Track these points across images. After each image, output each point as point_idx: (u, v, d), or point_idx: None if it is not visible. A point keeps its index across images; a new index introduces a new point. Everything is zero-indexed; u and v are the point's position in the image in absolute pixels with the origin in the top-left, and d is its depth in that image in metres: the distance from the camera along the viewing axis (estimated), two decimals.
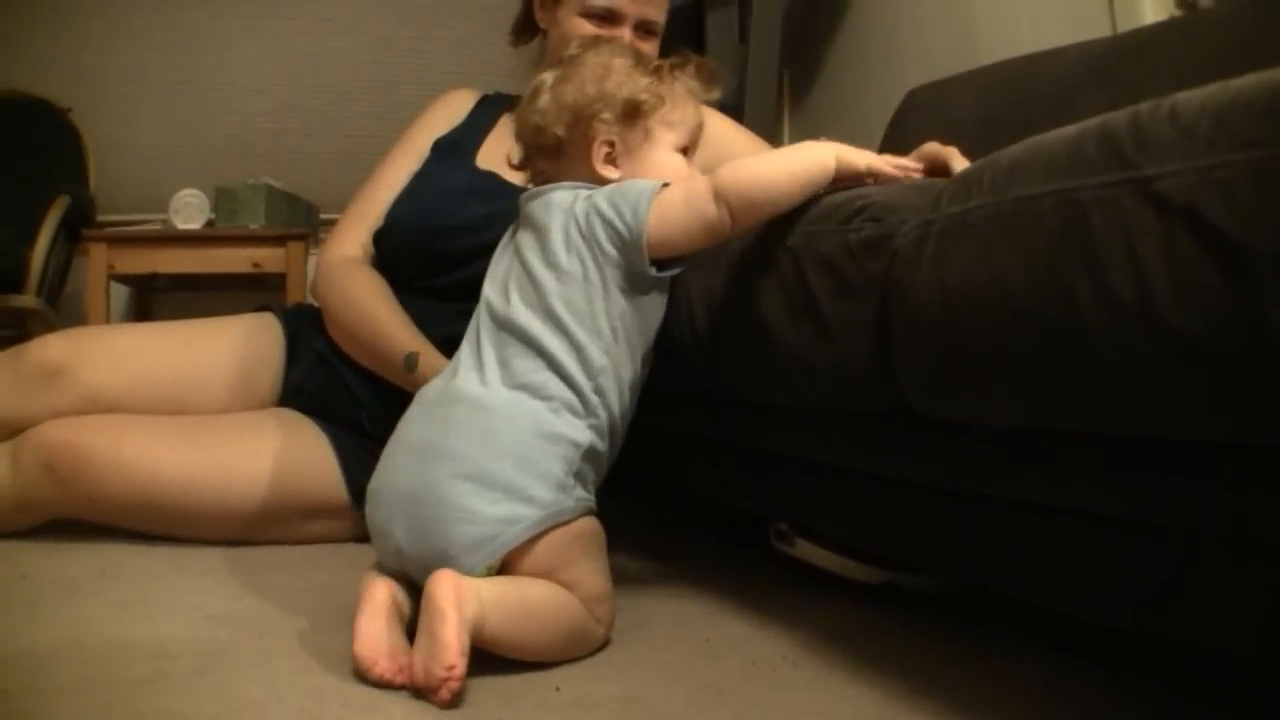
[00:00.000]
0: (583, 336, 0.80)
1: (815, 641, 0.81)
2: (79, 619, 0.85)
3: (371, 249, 1.28)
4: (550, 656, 0.75)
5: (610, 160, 0.88)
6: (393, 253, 1.26)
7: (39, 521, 1.12)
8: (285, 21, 2.64)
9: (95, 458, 1.07)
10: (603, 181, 0.87)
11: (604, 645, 0.79)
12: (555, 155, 0.90)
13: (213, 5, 2.57)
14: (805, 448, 0.86)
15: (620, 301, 0.82)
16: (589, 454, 0.79)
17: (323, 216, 2.48)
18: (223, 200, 2.11)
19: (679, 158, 0.91)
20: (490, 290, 0.87)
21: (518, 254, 0.87)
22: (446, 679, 0.65)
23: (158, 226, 2.22)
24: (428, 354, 1.14)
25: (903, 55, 2.13)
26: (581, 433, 0.79)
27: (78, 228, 2.09)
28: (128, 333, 1.26)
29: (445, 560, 0.72)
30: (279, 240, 2.10)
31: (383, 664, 0.69)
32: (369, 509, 0.81)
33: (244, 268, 2.09)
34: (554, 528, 0.75)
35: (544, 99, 0.90)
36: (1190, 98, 0.49)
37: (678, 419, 1.07)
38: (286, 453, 1.15)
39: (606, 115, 0.87)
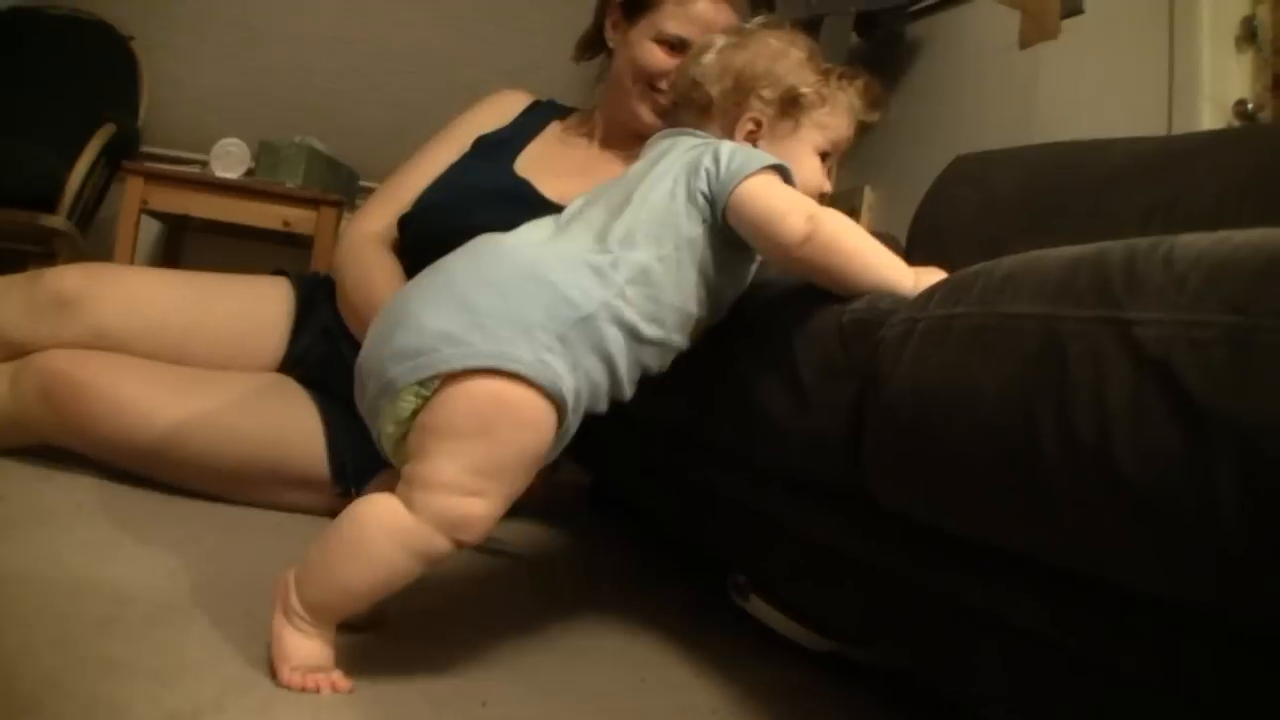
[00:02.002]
0: (644, 235, 0.76)
1: (748, 697, 0.81)
2: (48, 550, 0.87)
3: (395, 231, 1.29)
4: (359, 583, 0.67)
5: (752, 138, 0.88)
6: (414, 240, 1.27)
7: (31, 443, 1.14)
8: None
9: (92, 394, 1.09)
10: None
11: (433, 549, 0.67)
12: (701, 113, 0.90)
13: None
14: (772, 508, 0.85)
15: (695, 230, 0.78)
16: (584, 325, 0.70)
17: (363, 184, 2.50)
18: (265, 154, 2.13)
19: (816, 161, 0.90)
20: (581, 198, 0.85)
21: (626, 175, 0.86)
22: (292, 685, 0.65)
23: (197, 169, 2.25)
24: None
25: (960, 119, 2.12)
26: (587, 298, 0.70)
27: (120, 157, 2.10)
28: (144, 277, 1.28)
29: (380, 370, 0.68)
30: (313, 203, 2.11)
31: (283, 676, 0.66)
32: None
33: (274, 224, 2.09)
34: (494, 374, 0.65)
35: (709, 57, 0.90)
36: (1191, 243, 0.49)
37: (662, 450, 1.07)
38: (277, 420, 1.17)
39: (766, 94, 0.87)
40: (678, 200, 0.79)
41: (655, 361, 0.79)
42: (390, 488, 0.68)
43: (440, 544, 0.66)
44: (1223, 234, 0.49)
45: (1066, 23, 1.92)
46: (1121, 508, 0.46)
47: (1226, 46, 1.63)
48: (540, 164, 1.32)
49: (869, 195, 2.36)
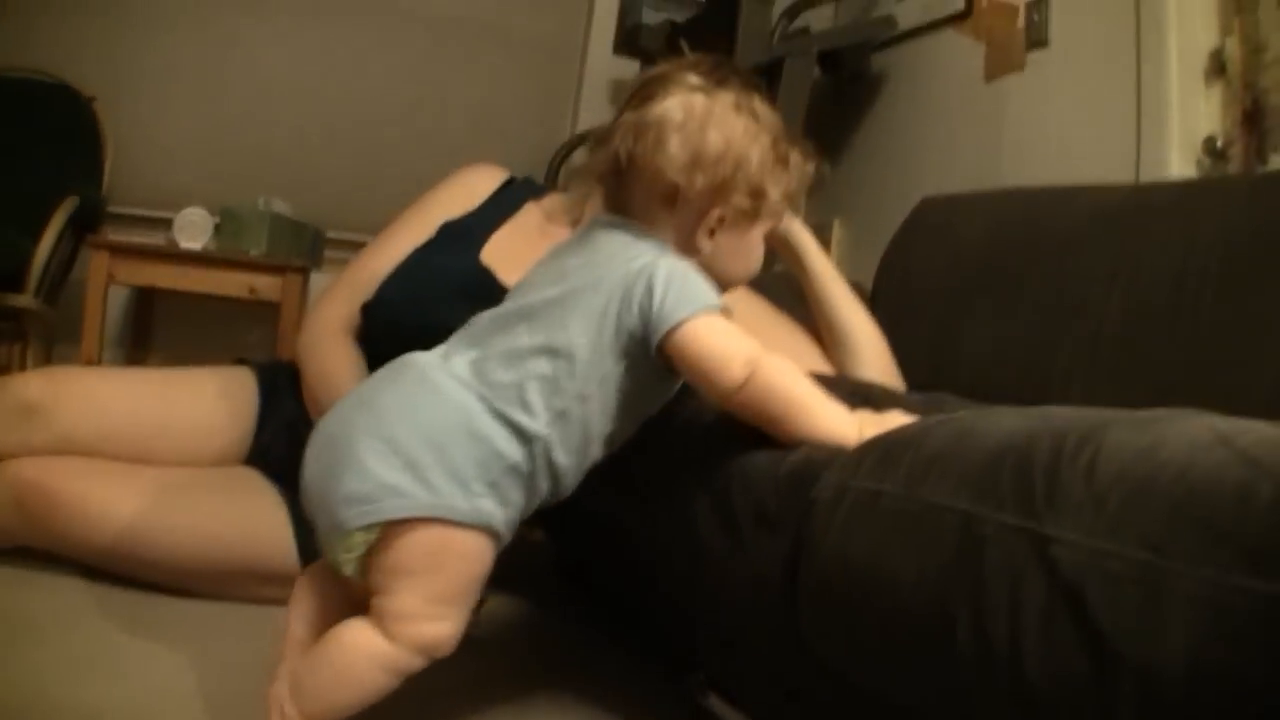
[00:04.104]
0: (565, 377, 0.76)
1: None
2: (27, 671, 0.88)
3: (359, 318, 1.28)
4: (346, 702, 0.74)
5: (711, 233, 0.83)
6: (375, 329, 1.26)
7: (10, 546, 1.16)
8: (325, 33, 2.64)
9: (61, 502, 1.11)
10: (692, 245, 0.82)
11: (408, 667, 0.75)
12: (664, 203, 0.82)
13: (256, 7, 2.57)
14: (722, 627, 0.84)
15: (620, 366, 0.77)
16: (512, 472, 0.76)
17: (330, 235, 2.50)
18: (227, 221, 2.15)
19: (761, 245, 0.88)
20: (522, 282, 0.84)
21: (559, 272, 0.82)
22: None
23: (162, 229, 2.24)
24: None
25: (927, 156, 2.11)
26: (512, 449, 0.75)
27: (85, 227, 2.10)
28: (106, 379, 1.28)
29: (331, 508, 0.74)
30: (278, 269, 2.14)
31: None
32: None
33: (241, 292, 2.12)
34: (436, 522, 0.73)
35: (675, 144, 0.80)
36: (1115, 453, 0.48)
37: (614, 543, 1.05)
38: (245, 520, 1.18)
39: (738, 197, 0.82)
40: (603, 338, 0.77)
41: (580, 475, 0.82)
42: (323, 588, 0.81)
43: (418, 663, 0.75)
44: (1148, 444, 0.47)
45: (1032, 55, 1.91)
46: (1027, 717, 0.45)
47: (1195, 80, 1.62)
48: (509, 253, 1.29)
49: (838, 229, 2.35)
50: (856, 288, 1.68)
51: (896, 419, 0.75)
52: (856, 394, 0.85)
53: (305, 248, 2.30)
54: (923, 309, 1.51)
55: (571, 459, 0.78)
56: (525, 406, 0.76)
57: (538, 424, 0.76)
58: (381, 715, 0.78)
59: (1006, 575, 0.47)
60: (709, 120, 0.82)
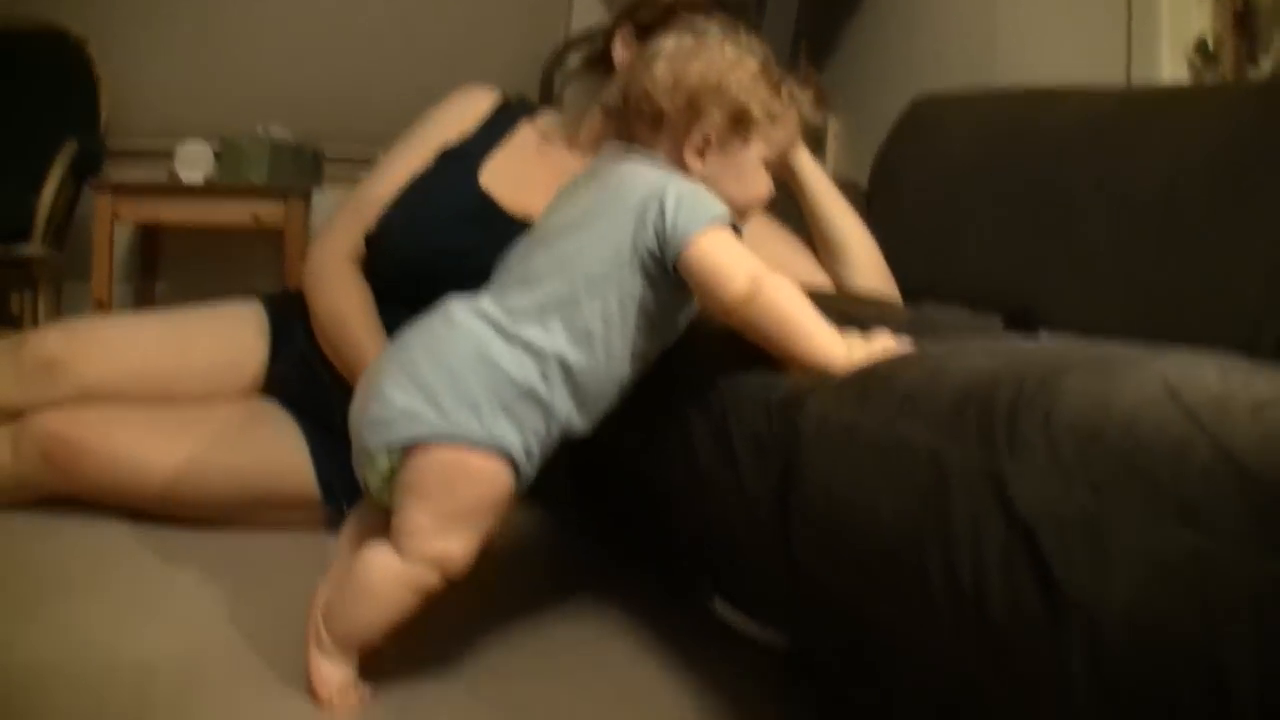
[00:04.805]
0: (585, 298, 0.81)
1: (716, 705, 0.87)
2: (74, 626, 0.94)
3: (363, 248, 1.30)
4: (373, 619, 0.81)
5: (700, 152, 0.87)
6: (380, 261, 1.29)
7: (38, 497, 1.22)
8: None
9: (88, 451, 1.16)
10: (685, 168, 0.87)
11: (426, 584, 0.80)
12: (653, 126, 0.88)
13: None
14: (725, 542, 0.90)
15: (638, 286, 0.82)
16: (526, 397, 0.79)
17: (330, 154, 2.49)
18: (228, 153, 2.15)
19: (763, 172, 0.90)
20: (540, 219, 0.89)
21: (574, 204, 0.87)
22: (331, 704, 0.80)
23: (163, 161, 2.25)
24: None
25: (919, 54, 2.09)
26: (524, 373, 0.79)
27: (85, 171, 2.11)
28: (121, 326, 1.32)
29: (358, 434, 0.81)
30: (280, 196, 2.14)
31: (322, 697, 0.81)
32: None
33: (245, 220, 2.12)
34: (451, 444, 0.77)
35: (661, 67, 0.88)
36: (1071, 401, 0.50)
37: (628, 462, 1.12)
38: (264, 450, 1.23)
39: (718, 112, 0.86)
40: (622, 256, 0.82)
41: (607, 401, 0.86)
42: (369, 516, 0.86)
43: (432, 579, 0.80)
44: (1100, 391, 0.50)
45: None
46: (988, 653, 0.49)
47: None
48: (508, 176, 1.31)
49: (833, 125, 2.34)
50: (851, 189, 1.69)
51: (882, 342, 0.80)
52: (846, 315, 0.90)
53: (306, 171, 2.30)
54: (916, 214, 1.52)
55: (596, 382, 0.82)
56: (543, 325, 0.80)
57: (555, 341, 0.80)
58: (405, 634, 0.83)
59: (970, 513, 0.51)
60: (696, 50, 0.88)
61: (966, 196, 1.43)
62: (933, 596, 0.53)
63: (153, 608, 1.00)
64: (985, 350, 0.63)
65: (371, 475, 0.81)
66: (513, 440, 0.79)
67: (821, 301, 0.84)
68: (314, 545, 1.22)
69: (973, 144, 1.49)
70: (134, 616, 0.97)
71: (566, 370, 0.81)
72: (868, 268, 1.29)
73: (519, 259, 0.87)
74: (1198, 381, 0.48)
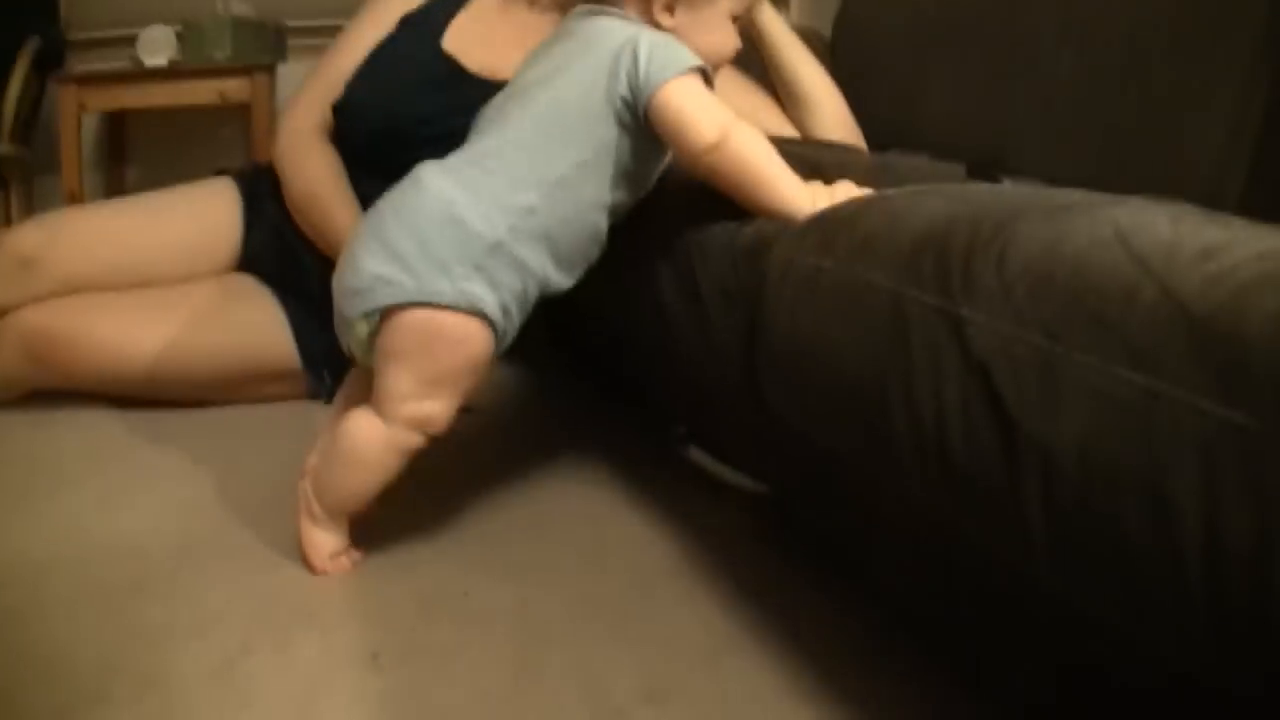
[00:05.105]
0: (556, 141, 0.82)
1: (697, 550, 0.91)
2: (68, 517, 0.96)
3: (330, 119, 1.29)
4: (362, 484, 0.84)
5: (669, 7, 0.87)
6: (348, 131, 1.28)
7: (22, 393, 1.25)
8: None
9: (70, 342, 1.18)
10: (655, 24, 0.87)
11: (409, 444, 0.82)
12: None
13: None
14: (695, 389, 0.91)
15: (611, 132, 0.82)
16: (495, 251, 0.79)
17: (293, 24, 2.41)
18: (190, 35, 2.13)
19: (730, 26, 0.90)
20: (514, 79, 0.89)
21: (546, 60, 0.87)
22: (325, 570, 0.84)
23: (126, 47, 2.18)
24: None
25: None
26: (492, 227, 0.79)
27: (49, 65, 2.07)
28: (95, 215, 1.33)
29: (339, 304, 0.82)
30: (245, 72, 2.12)
31: (316, 565, 0.85)
32: None
33: (211, 99, 2.12)
34: (424, 306, 0.78)
35: None
36: (1024, 244, 0.50)
37: (600, 318, 1.11)
38: (246, 326, 1.26)
39: None
40: (595, 103, 0.82)
41: (583, 255, 0.86)
42: (358, 386, 0.87)
43: (415, 440, 0.82)
44: (1053, 235, 0.50)
45: None
46: (952, 489, 0.51)
47: None
48: (471, 36, 1.29)
49: None
50: (816, 38, 1.63)
51: (845, 190, 0.80)
52: (810, 162, 0.89)
53: (269, 45, 2.28)
54: (880, 63, 1.49)
55: (569, 234, 0.83)
56: (510, 177, 0.80)
57: (524, 194, 0.80)
58: (392, 496, 0.86)
59: (929, 351, 0.52)
60: None
61: (930, 43, 1.41)
62: (896, 434, 0.54)
63: (144, 490, 1.03)
64: (944, 194, 0.63)
65: (354, 343, 0.83)
66: (487, 299, 0.80)
67: (787, 148, 0.83)
68: (298, 415, 1.25)
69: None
70: (126, 501, 1.00)
71: (535, 219, 0.81)
72: (833, 118, 1.29)
73: (492, 114, 0.87)
74: (1149, 228, 0.48)
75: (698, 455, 1.06)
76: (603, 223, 0.86)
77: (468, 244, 0.79)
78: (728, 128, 0.79)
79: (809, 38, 1.50)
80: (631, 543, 0.93)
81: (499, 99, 0.88)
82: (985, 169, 1.00)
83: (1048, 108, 1.17)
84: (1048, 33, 1.18)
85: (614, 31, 0.84)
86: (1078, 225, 0.50)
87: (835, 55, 1.59)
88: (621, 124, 0.82)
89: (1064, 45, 1.13)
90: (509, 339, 0.84)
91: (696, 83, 0.82)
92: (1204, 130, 0.99)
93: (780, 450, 0.81)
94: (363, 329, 0.80)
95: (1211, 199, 0.99)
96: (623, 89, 0.81)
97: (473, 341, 0.81)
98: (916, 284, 0.55)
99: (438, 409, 0.81)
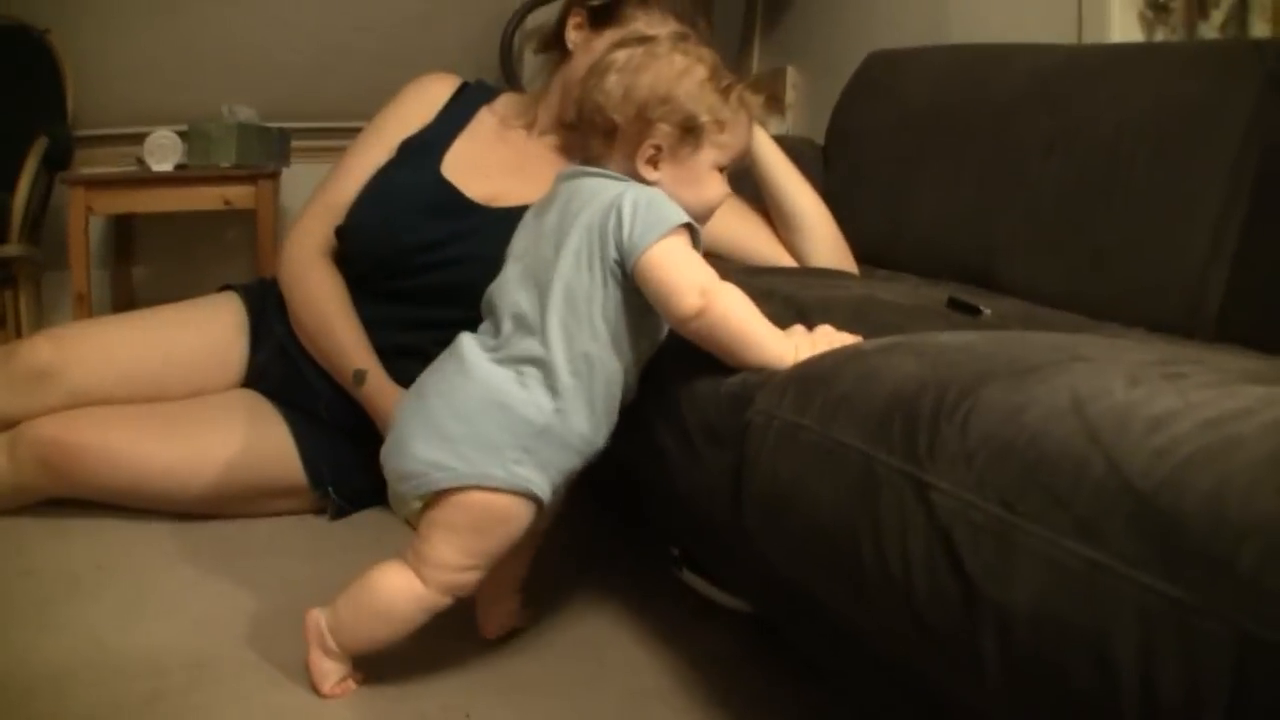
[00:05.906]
0: (574, 323, 0.85)
1: (691, 670, 0.95)
2: (84, 628, 1.00)
3: (334, 240, 1.34)
4: (386, 636, 0.88)
5: (653, 161, 0.90)
6: (351, 254, 1.33)
7: (36, 501, 1.27)
8: None
9: (85, 453, 1.21)
10: (640, 178, 0.89)
11: (440, 606, 0.87)
12: (605, 138, 0.91)
13: None
14: (689, 519, 0.96)
15: (615, 296, 0.85)
16: (544, 434, 0.84)
17: (297, 127, 2.49)
18: (195, 138, 2.16)
19: (717, 177, 0.92)
20: (510, 249, 0.93)
21: (541, 230, 0.90)
22: (330, 695, 0.88)
23: (133, 146, 2.25)
24: (375, 373, 1.25)
25: (874, 11, 2.09)
26: (541, 412, 0.83)
27: (57, 164, 2.12)
28: (107, 329, 1.37)
29: (394, 484, 0.87)
30: (250, 178, 2.17)
31: (324, 689, 0.89)
32: None
33: (216, 205, 2.16)
34: (476, 489, 0.83)
35: (611, 80, 0.90)
36: (987, 412, 0.54)
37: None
38: (252, 441, 1.29)
39: (665, 125, 0.89)
40: (596, 275, 0.85)
41: (617, 409, 0.90)
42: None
43: (446, 602, 0.88)
44: (1021, 400, 0.54)
45: None
46: (916, 630, 0.55)
47: None
48: (470, 163, 1.34)
49: (792, 75, 2.35)
50: (809, 147, 1.71)
51: (826, 338, 0.85)
52: (795, 305, 0.95)
53: (273, 150, 2.32)
54: (871, 174, 1.55)
55: (608, 392, 0.87)
56: (544, 369, 0.84)
57: (565, 379, 0.84)
58: (416, 653, 0.90)
59: (897, 512, 0.56)
60: (645, 61, 0.91)
61: (920, 155, 1.46)
62: (868, 580, 0.58)
63: (159, 603, 1.06)
64: (916, 350, 0.68)
65: (406, 513, 0.88)
66: (537, 480, 0.84)
67: (774, 285, 0.88)
68: (305, 530, 1.29)
69: (926, 100, 1.51)
70: (140, 614, 1.03)
71: (577, 397, 0.85)
72: (825, 243, 1.33)
73: (504, 295, 0.90)
74: (1104, 396, 0.51)
75: (688, 578, 1.10)
76: (633, 376, 0.90)
77: (516, 428, 0.83)
78: (710, 292, 0.83)
79: (804, 146, 1.57)
80: (628, 664, 0.97)
81: (506, 273, 0.91)
82: (965, 305, 1.03)
83: (1034, 218, 1.21)
84: (1033, 141, 1.22)
85: (600, 193, 0.87)
86: (1037, 394, 0.54)
87: (828, 161, 1.64)
88: (621, 285, 0.85)
89: (1050, 155, 1.18)
90: (552, 515, 0.91)
91: (679, 245, 0.84)
92: (1187, 239, 1.03)
93: (764, 578, 0.85)
94: (417, 505, 0.85)
95: (1194, 304, 1.03)
96: (613, 252, 0.84)
97: (519, 520, 0.86)
98: (886, 448, 0.59)
99: (475, 578, 0.87)
